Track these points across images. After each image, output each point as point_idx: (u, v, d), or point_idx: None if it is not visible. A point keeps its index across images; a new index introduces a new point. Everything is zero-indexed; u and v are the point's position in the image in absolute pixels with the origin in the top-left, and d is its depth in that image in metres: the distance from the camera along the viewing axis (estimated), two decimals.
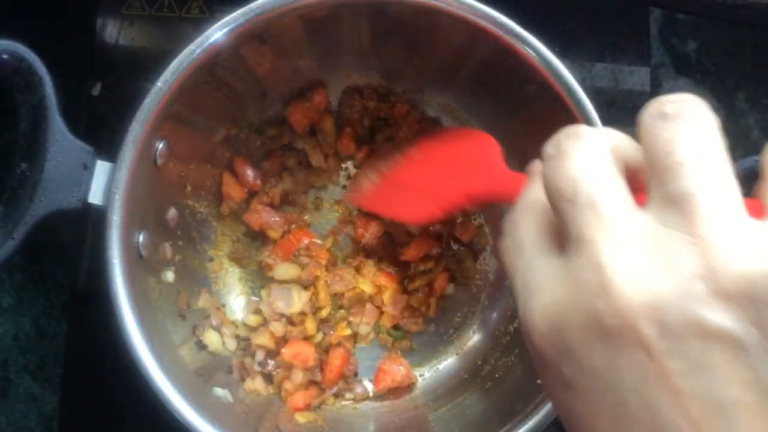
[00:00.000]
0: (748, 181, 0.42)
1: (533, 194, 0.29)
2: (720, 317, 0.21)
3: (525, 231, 0.28)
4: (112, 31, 0.60)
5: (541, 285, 0.25)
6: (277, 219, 0.58)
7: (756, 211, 0.24)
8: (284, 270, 0.58)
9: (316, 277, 0.58)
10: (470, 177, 0.43)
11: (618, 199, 0.24)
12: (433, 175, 0.48)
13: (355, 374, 0.57)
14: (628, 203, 0.24)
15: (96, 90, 0.59)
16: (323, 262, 0.58)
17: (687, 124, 0.24)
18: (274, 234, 0.58)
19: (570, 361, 0.24)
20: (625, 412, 0.23)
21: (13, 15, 0.62)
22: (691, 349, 0.21)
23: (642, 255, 0.23)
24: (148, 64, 0.60)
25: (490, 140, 0.44)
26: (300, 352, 0.54)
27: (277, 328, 0.55)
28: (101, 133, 0.59)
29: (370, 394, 0.57)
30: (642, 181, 0.25)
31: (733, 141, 0.66)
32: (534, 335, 0.25)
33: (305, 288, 0.57)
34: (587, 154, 0.25)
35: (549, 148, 0.26)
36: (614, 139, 0.26)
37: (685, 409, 0.21)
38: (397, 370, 0.56)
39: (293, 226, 0.59)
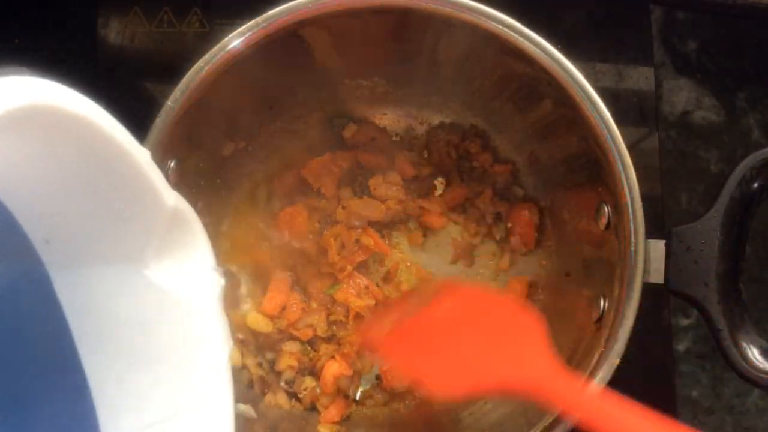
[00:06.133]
0: (748, 182, 0.43)
1: None
2: None
3: None
4: (113, 49, 0.60)
5: None
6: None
7: None
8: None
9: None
10: (510, 358, 0.39)
11: None
12: (465, 341, 0.43)
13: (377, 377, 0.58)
14: None
15: None
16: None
17: None
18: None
19: None
20: None
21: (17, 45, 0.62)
22: None
23: None
24: (151, 81, 0.60)
25: (536, 320, 0.40)
26: (336, 373, 0.54)
27: (292, 347, 0.56)
28: None
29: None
30: None
31: (733, 141, 0.66)
32: None
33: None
34: None
35: None
36: None
37: None
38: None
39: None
